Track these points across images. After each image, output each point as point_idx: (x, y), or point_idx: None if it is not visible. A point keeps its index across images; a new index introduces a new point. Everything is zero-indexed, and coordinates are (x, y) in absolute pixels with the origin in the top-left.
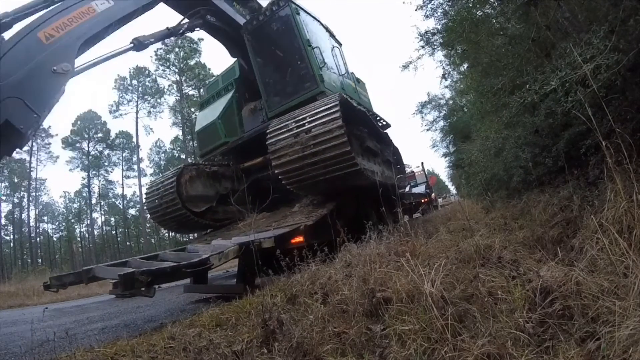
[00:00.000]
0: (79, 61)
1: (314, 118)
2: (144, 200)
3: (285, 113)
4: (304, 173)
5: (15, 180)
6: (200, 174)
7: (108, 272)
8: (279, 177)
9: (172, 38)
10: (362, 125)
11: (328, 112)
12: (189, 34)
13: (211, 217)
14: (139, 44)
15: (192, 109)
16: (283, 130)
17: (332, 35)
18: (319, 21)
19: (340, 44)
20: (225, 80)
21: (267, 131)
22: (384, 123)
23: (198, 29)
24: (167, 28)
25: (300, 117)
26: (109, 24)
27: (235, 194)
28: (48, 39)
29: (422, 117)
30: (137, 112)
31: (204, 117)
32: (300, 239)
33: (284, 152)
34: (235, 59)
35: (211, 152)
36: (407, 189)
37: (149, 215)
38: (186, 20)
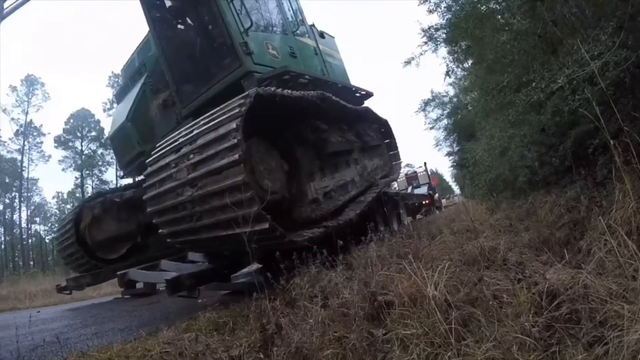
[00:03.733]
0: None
1: (202, 157)
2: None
3: (202, 111)
4: (204, 245)
5: (7, 180)
6: (110, 208)
7: (143, 276)
8: (168, 240)
9: None
10: (317, 118)
11: (223, 143)
12: None
13: (139, 256)
14: None
15: None
16: (162, 178)
17: None
18: None
19: None
20: (140, 58)
21: (143, 181)
22: (363, 93)
23: None
24: None
25: (182, 152)
26: None
27: None
28: None
29: (426, 115)
30: None
31: (117, 116)
32: None
33: (170, 217)
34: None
35: (130, 164)
36: (410, 189)
37: None
38: None
